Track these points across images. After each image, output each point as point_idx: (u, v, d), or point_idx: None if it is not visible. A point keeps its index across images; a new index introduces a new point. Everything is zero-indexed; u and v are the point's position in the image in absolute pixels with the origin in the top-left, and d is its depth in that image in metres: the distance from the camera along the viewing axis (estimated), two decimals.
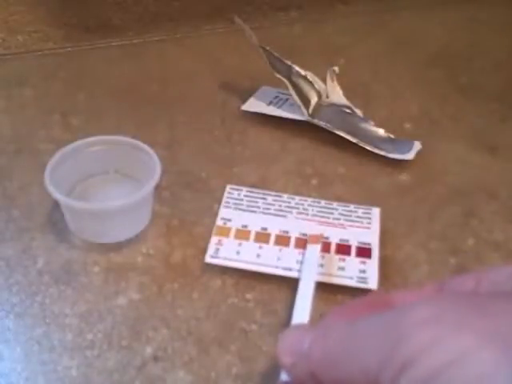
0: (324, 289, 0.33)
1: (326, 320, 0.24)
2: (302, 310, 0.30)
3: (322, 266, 0.33)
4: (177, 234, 0.36)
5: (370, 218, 0.37)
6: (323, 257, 0.34)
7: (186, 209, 0.38)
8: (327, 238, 0.35)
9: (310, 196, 0.39)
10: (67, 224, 0.36)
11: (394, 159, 0.42)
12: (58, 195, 0.33)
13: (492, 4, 0.62)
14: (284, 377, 0.24)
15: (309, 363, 0.22)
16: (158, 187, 0.36)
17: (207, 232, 0.36)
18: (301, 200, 0.38)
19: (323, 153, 0.43)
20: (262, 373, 0.29)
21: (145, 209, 0.36)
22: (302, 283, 0.32)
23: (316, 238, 0.34)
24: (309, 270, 0.32)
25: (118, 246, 0.35)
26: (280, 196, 0.38)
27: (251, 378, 0.29)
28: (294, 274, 0.33)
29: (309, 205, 0.37)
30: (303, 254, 0.34)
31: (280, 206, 0.37)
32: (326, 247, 0.34)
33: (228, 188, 0.39)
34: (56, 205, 0.36)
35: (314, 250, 0.34)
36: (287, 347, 0.24)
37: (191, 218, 0.37)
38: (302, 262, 0.33)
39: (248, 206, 0.37)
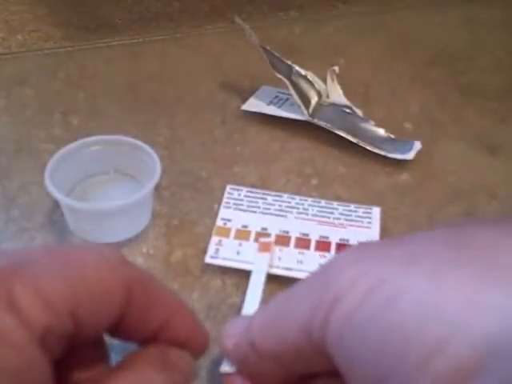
0: None
1: None
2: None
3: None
4: (177, 234, 0.36)
5: (370, 218, 0.37)
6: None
7: (186, 209, 0.38)
8: (327, 237, 0.35)
9: (310, 196, 0.39)
10: (67, 224, 0.36)
11: (394, 159, 0.42)
12: (58, 195, 0.33)
13: (492, 4, 0.62)
14: (225, 368, 0.23)
15: (250, 334, 0.22)
16: (158, 187, 0.36)
17: (207, 232, 0.36)
18: (301, 200, 0.38)
19: (323, 153, 0.43)
20: None
21: (145, 209, 0.36)
22: (248, 293, 0.31)
23: (266, 246, 0.34)
24: (257, 279, 0.32)
25: (117, 246, 0.35)
26: (280, 196, 0.38)
27: None
28: (294, 274, 0.33)
29: (309, 205, 0.37)
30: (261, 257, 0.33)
31: (280, 205, 0.37)
32: (326, 247, 0.35)
33: (228, 188, 0.39)
34: (56, 205, 0.36)
35: (264, 259, 0.33)
36: (230, 330, 0.23)
37: (191, 218, 0.37)
38: (252, 271, 0.33)
39: (248, 206, 0.37)
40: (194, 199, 0.39)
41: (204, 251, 0.34)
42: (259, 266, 0.33)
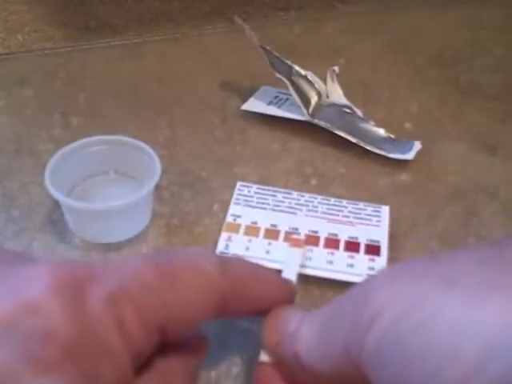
0: (331, 286, 0.33)
1: None
2: None
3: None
4: (177, 234, 0.36)
5: (379, 217, 0.37)
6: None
7: (186, 209, 0.38)
8: (336, 234, 0.35)
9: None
10: (67, 224, 0.36)
11: (394, 159, 0.42)
12: (58, 195, 0.33)
13: (492, 4, 0.62)
14: (263, 357, 0.24)
15: (295, 344, 0.22)
16: (158, 187, 0.36)
17: (207, 232, 0.36)
18: (310, 197, 0.38)
19: (323, 153, 0.43)
20: None
21: (145, 209, 0.36)
22: None
23: (298, 242, 0.34)
24: (290, 271, 0.32)
25: (118, 246, 0.35)
26: (290, 193, 0.38)
27: (252, 378, 0.29)
28: (301, 270, 0.33)
29: (318, 202, 0.38)
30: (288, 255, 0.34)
31: (290, 203, 0.38)
32: (334, 244, 0.35)
33: (238, 185, 0.39)
34: (56, 205, 0.36)
35: (295, 255, 0.33)
36: (275, 326, 0.24)
37: (191, 218, 0.37)
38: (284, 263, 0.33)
39: (258, 202, 0.37)
40: (193, 199, 0.39)
41: None
42: (290, 261, 0.33)
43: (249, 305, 0.24)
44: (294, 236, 0.35)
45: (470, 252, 0.20)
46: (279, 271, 0.32)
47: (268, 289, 0.25)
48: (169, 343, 0.22)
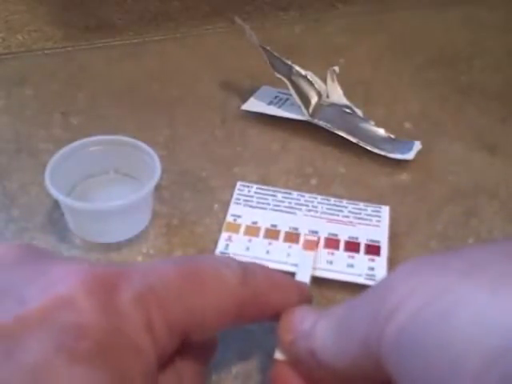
0: (331, 286, 0.33)
1: None
2: None
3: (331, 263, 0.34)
4: (177, 234, 0.36)
5: (379, 217, 0.37)
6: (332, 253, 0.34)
7: (186, 209, 0.38)
8: (336, 235, 0.35)
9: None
10: (67, 224, 0.36)
11: (394, 159, 0.42)
12: (58, 195, 0.33)
13: (492, 4, 0.62)
14: (278, 355, 0.24)
15: (311, 342, 0.22)
16: (158, 187, 0.36)
17: (207, 232, 0.36)
18: (310, 197, 0.38)
19: (323, 153, 0.43)
20: (262, 372, 0.29)
21: (145, 209, 0.36)
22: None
23: (311, 244, 0.34)
24: (303, 274, 0.32)
25: (118, 246, 0.35)
26: (290, 193, 0.38)
27: (251, 378, 0.29)
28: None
29: (318, 202, 0.38)
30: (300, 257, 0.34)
31: (290, 203, 0.38)
32: (334, 244, 0.35)
33: (238, 185, 0.39)
34: (56, 205, 0.36)
35: (309, 256, 0.33)
36: (289, 324, 0.24)
37: (191, 218, 0.37)
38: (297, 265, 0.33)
39: (258, 202, 0.38)
40: (193, 199, 0.39)
41: (204, 251, 0.34)
42: (303, 264, 0.33)
43: (264, 313, 0.24)
44: (308, 238, 0.35)
45: (489, 245, 0.20)
46: (292, 274, 0.32)
47: (285, 298, 0.25)
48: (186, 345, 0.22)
